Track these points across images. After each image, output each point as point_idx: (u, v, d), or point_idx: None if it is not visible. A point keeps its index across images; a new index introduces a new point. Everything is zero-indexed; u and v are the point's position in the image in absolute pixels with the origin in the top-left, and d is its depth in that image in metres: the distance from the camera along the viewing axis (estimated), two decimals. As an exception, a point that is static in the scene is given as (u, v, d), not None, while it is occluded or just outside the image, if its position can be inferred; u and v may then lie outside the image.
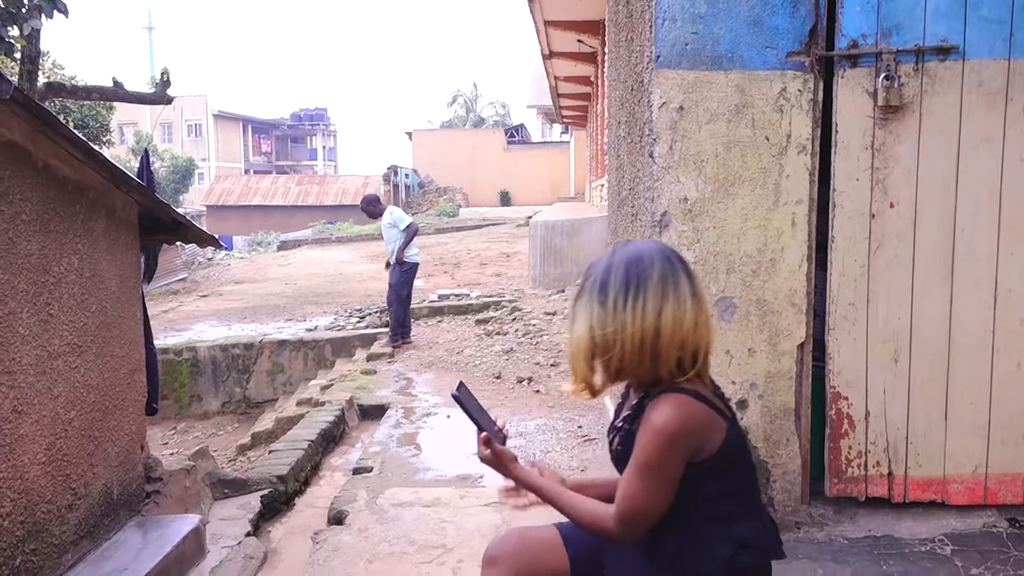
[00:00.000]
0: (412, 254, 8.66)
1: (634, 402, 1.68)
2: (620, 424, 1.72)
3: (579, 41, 13.99)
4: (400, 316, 8.69)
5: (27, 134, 2.96)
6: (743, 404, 2.45)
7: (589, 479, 1.91)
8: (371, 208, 8.85)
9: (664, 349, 1.55)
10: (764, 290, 2.40)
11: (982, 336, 2.42)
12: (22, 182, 2.97)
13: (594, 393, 1.70)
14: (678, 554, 1.61)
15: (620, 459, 1.69)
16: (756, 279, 2.39)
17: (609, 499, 1.80)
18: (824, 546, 2.28)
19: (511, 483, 1.81)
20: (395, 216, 8.67)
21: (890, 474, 2.47)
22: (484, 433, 1.76)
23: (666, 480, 1.54)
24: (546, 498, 1.72)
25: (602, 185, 12.97)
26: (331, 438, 6.06)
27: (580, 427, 5.68)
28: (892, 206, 2.39)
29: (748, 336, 2.42)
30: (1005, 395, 2.43)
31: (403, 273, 8.60)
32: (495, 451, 1.76)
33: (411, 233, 8.62)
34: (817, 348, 2.51)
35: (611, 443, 1.76)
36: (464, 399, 1.78)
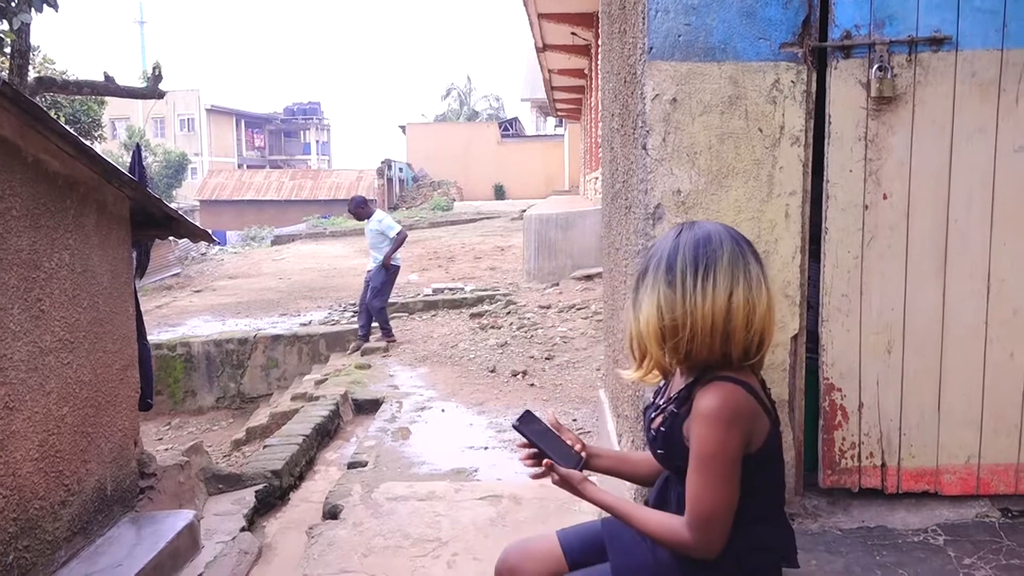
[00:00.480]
0: (396, 258, 8.76)
1: (681, 386, 1.65)
2: (664, 404, 1.69)
3: (572, 34, 13.97)
4: (384, 317, 8.85)
5: (16, 129, 2.94)
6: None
7: (625, 453, 1.89)
8: (360, 210, 8.79)
9: (736, 331, 1.53)
10: (758, 282, 2.40)
11: (975, 327, 2.42)
12: (11, 177, 2.95)
13: (667, 376, 1.68)
14: None
15: (662, 441, 1.66)
16: (750, 271, 2.39)
17: (645, 479, 1.81)
18: (818, 537, 2.29)
19: (524, 455, 1.78)
20: (385, 224, 8.64)
21: (883, 465, 2.48)
22: (547, 460, 1.73)
23: (728, 467, 1.51)
24: (618, 515, 1.68)
25: (596, 178, 12.97)
26: (326, 433, 6.06)
27: (575, 420, 5.68)
28: (885, 197, 2.39)
29: (742, 328, 2.42)
30: (998, 386, 2.43)
31: (388, 275, 8.69)
32: (562, 476, 1.72)
33: (400, 241, 8.64)
34: (810, 340, 2.51)
35: (649, 422, 1.73)
36: (527, 431, 1.76)
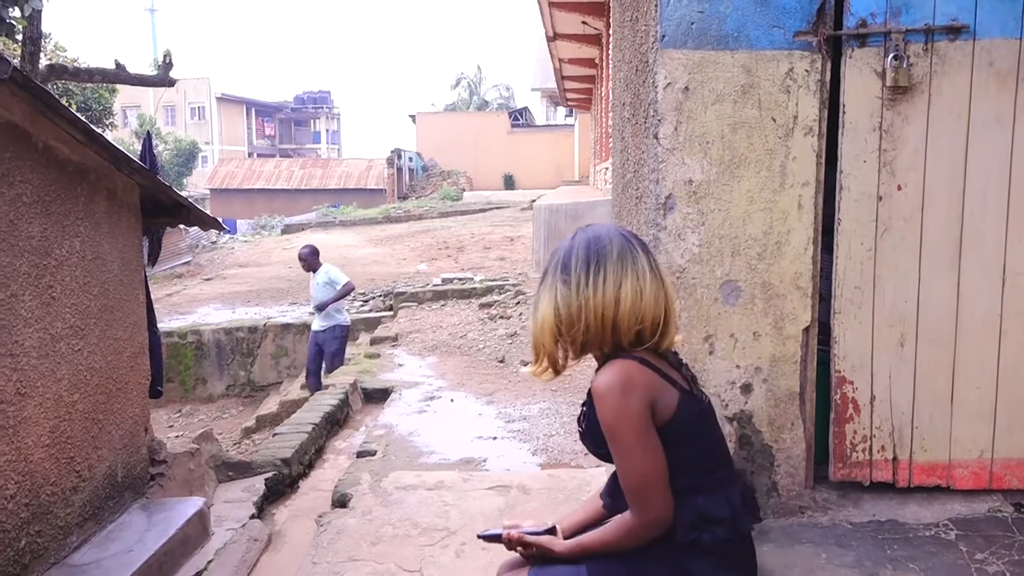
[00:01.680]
0: (343, 318, 7.92)
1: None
2: (581, 405, 1.77)
3: (584, 23, 13.88)
4: (318, 387, 7.34)
5: (27, 115, 2.94)
6: (747, 388, 2.44)
7: (583, 506, 1.93)
8: (308, 260, 7.89)
9: (623, 320, 1.62)
10: (769, 273, 2.38)
11: (989, 320, 2.39)
12: (22, 164, 2.95)
13: (558, 371, 1.74)
14: None
15: (588, 437, 1.74)
16: (761, 262, 2.37)
17: (593, 519, 1.84)
18: (828, 530, 2.27)
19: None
20: (332, 275, 7.76)
21: (895, 459, 2.46)
22: (517, 535, 1.77)
23: (636, 433, 1.57)
24: (594, 552, 1.71)
25: (606, 168, 12.91)
26: (335, 421, 6.07)
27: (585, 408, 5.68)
28: (900, 188, 2.36)
29: (753, 320, 2.40)
30: (1012, 380, 2.41)
31: (342, 340, 7.85)
32: (536, 545, 1.76)
33: (346, 291, 7.83)
34: (822, 332, 2.49)
35: (579, 424, 1.80)
36: (491, 536, 1.82)
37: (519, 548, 1.80)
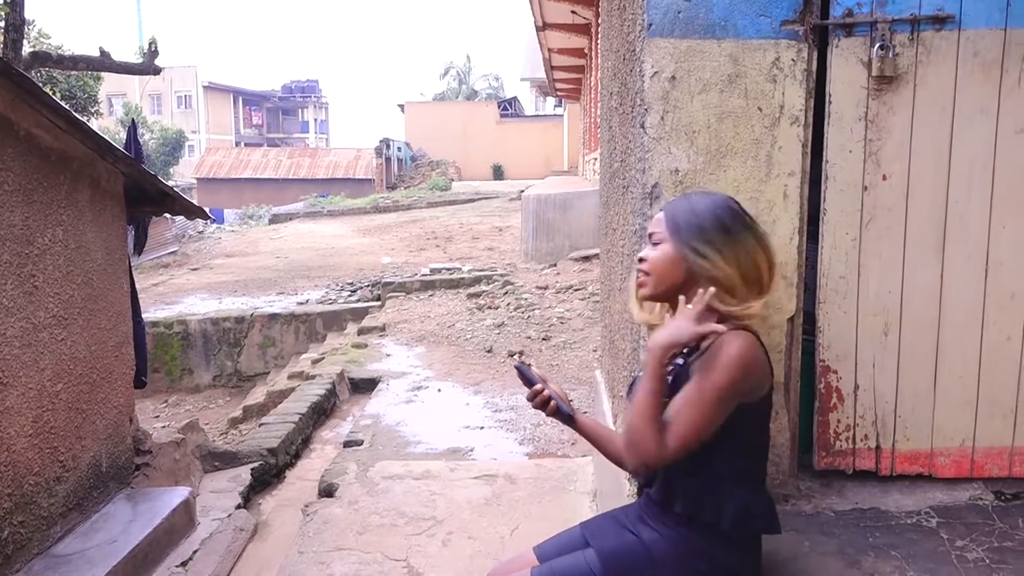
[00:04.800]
0: None
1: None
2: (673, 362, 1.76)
3: (573, 12, 13.85)
4: None
5: (8, 102, 2.91)
6: (732, 377, 2.45)
7: (601, 424, 2.05)
8: None
9: (771, 270, 1.78)
10: (755, 263, 2.38)
11: (972, 310, 2.41)
12: (3, 152, 2.92)
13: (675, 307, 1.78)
14: (698, 504, 1.66)
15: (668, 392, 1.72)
16: (747, 252, 2.37)
17: (614, 455, 1.92)
18: (811, 519, 2.29)
19: (531, 392, 1.95)
20: None
21: (878, 447, 2.47)
22: (547, 393, 1.91)
23: (721, 406, 1.60)
24: (591, 436, 1.93)
25: (595, 159, 12.90)
26: (322, 411, 6.07)
27: (571, 400, 5.69)
28: (885, 178, 2.37)
29: (738, 309, 2.40)
30: (994, 369, 2.43)
31: None
32: (560, 399, 1.91)
33: None
34: (807, 321, 2.50)
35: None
36: (529, 372, 1.97)
37: (539, 406, 1.92)
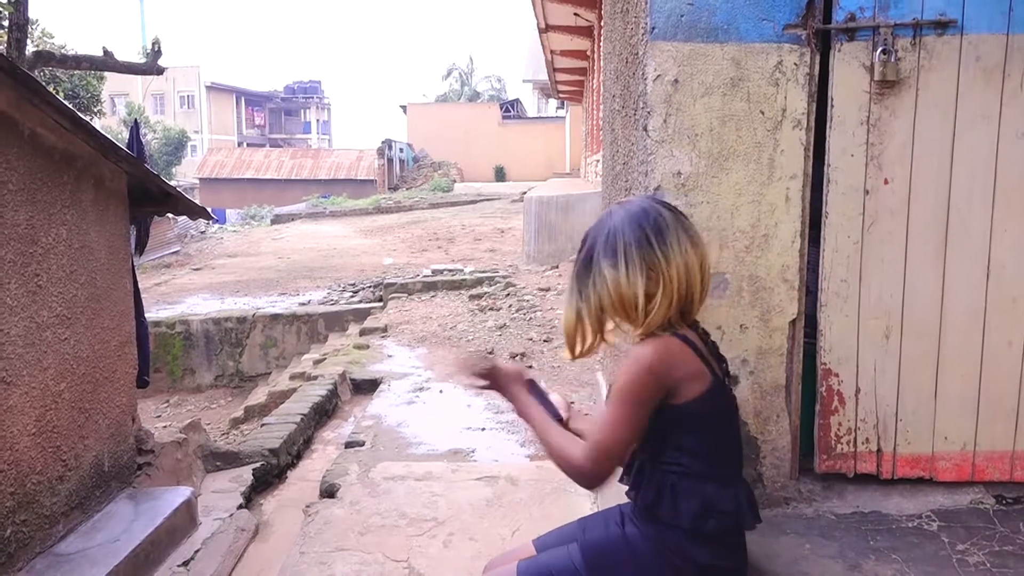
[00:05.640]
0: None
1: None
2: None
3: (575, 14, 13.86)
4: None
5: (13, 102, 2.92)
6: (734, 380, 2.45)
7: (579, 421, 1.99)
8: None
9: (695, 287, 1.67)
10: (757, 266, 2.39)
11: (974, 314, 2.41)
12: (8, 151, 2.93)
13: (591, 352, 1.77)
14: (656, 501, 1.68)
15: None
16: (749, 255, 2.38)
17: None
18: (812, 522, 2.29)
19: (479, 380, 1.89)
20: None
21: (879, 451, 2.48)
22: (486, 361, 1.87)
23: (638, 409, 1.61)
24: (535, 427, 1.80)
25: (597, 161, 12.91)
26: (324, 412, 6.07)
27: (573, 403, 5.69)
28: (886, 182, 2.37)
29: (740, 312, 2.41)
30: (995, 373, 2.43)
31: None
32: (497, 366, 1.85)
33: None
34: (809, 324, 2.50)
35: None
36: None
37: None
